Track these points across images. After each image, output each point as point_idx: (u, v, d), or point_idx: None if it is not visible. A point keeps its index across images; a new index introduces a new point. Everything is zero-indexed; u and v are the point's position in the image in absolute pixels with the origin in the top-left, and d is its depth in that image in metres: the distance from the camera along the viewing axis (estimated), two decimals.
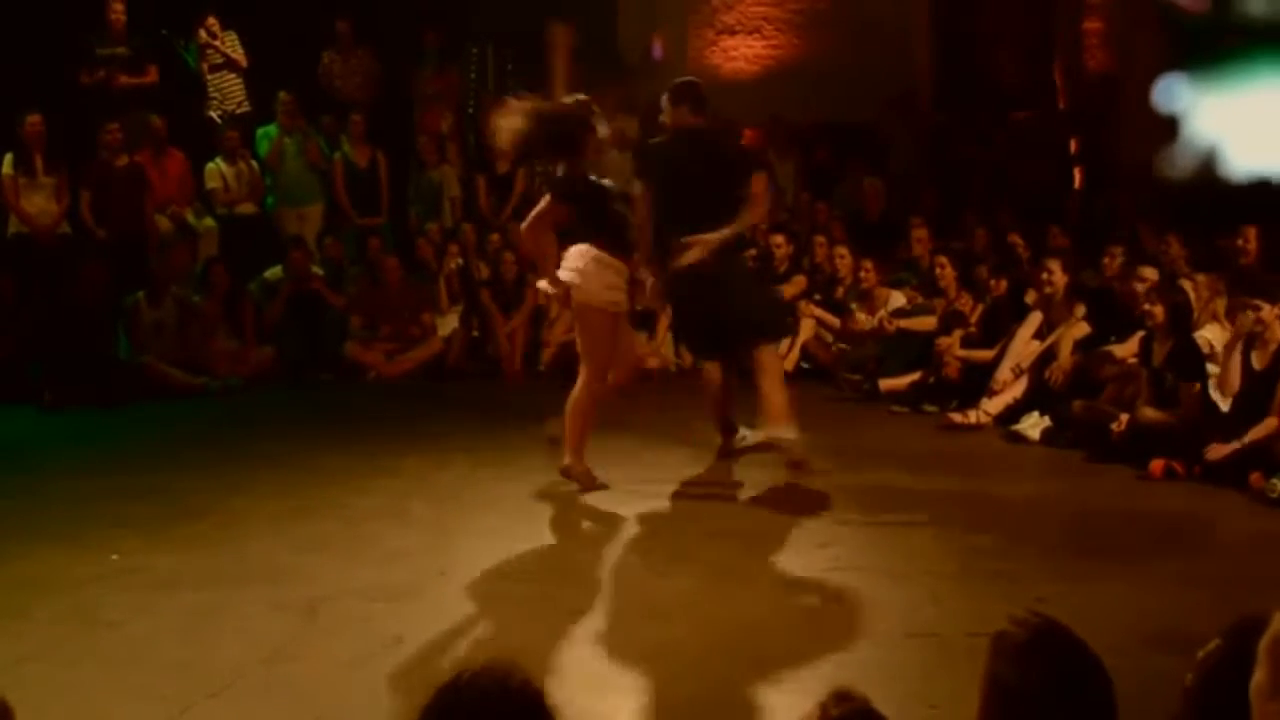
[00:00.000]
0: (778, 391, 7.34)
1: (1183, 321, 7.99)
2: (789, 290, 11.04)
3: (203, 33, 12.59)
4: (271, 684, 4.90)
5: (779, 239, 11.44)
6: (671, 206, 7.44)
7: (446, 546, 6.53)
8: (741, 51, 13.93)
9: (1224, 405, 7.68)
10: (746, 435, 7.90)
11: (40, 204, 11.45)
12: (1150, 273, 8.82)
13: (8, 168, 11.37)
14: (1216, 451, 7.34)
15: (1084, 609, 4.86)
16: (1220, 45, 10.99)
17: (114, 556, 6.47)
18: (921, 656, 4.96)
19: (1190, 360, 7.85)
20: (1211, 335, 8.33)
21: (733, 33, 13.94)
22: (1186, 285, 8.71)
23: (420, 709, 2.22)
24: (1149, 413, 7.79)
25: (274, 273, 11.82)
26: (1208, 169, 11.15)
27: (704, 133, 7.62)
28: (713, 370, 7.79)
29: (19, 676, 4.74)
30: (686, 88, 7.70)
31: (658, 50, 13.48)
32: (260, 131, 12.66)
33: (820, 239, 11.60)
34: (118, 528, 6.89)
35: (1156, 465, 7.50)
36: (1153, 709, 2.51)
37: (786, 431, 7.28)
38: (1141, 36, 12.52)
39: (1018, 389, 8.89)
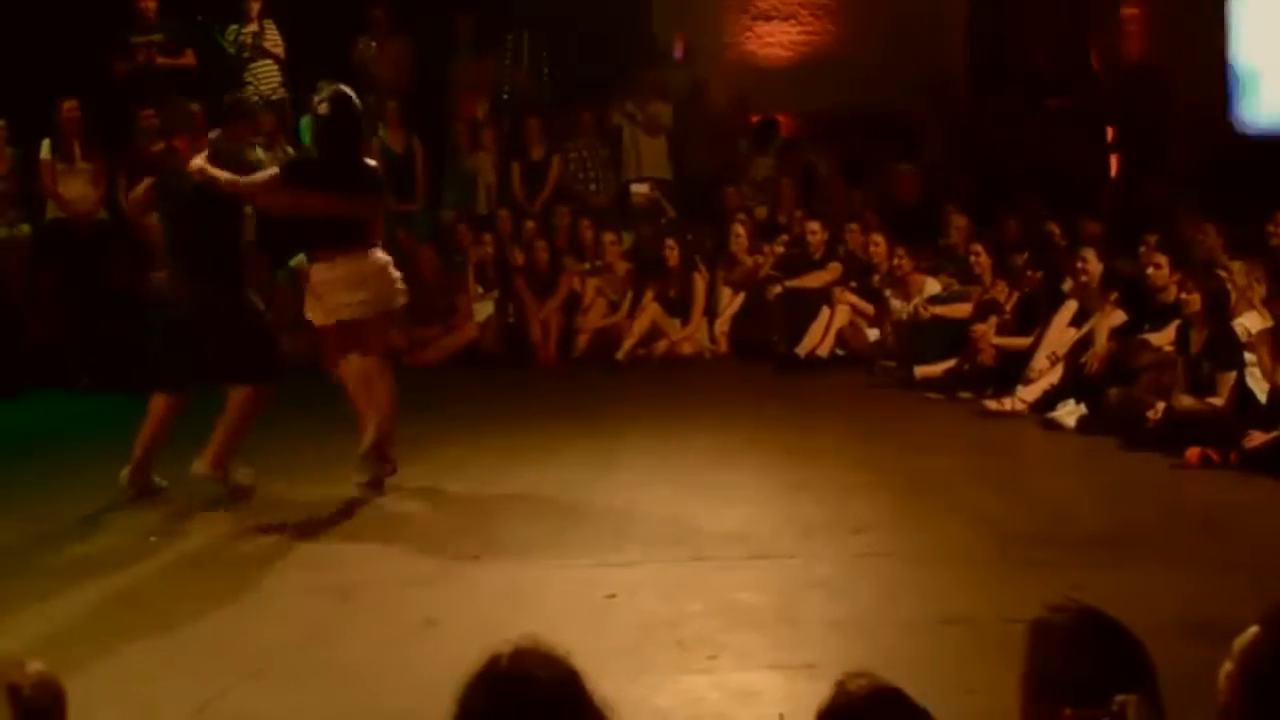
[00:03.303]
0: (221, 430, 7.22)
1: (1220, 309, 7.94)
2: (824, 277, 11.02)
3: (250, 27, 12.60)
4: (308, 666, 4.94)
5: (814, 226, 11.41)
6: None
7: (480, 531, 6.56)
8: (777, 38, 13.87)
9: (1261, 394, 7.63)
10: (158, 481, 7.37)
11: (78, 189, 11.50)
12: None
13: (45, 153, 11.42)
14: (1254, 440, 7.29)
15: (1119, 596, 4.80)
16: None
17: (151, 539, 6.53)
18: (956, 642, 4.96)
19: (1227, 348, 7.80)
20: (1250, 323, 8.26)
21: (768, 19, 13.88)
22: (1236, 268, 8.62)
23: (457, 692, 2.23)
24: (1185, 400, 7.75)
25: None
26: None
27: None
28: (160, 401, 7.51)
29: (57, 658, 4.76)
30: (230, 106, 7.71)
31: (679, 50, 13.42)
32: (304, 121, 12.66)
33: (854, 226, 11.55)
34: (154, 511, 6.96)
35: (1193, 453, 7.45)
36: (1189, 695, 2.50)
37: (198, 466, 7.12)
38: (1187, 20, 12.40)
39: (1054, 376, 8.84)
